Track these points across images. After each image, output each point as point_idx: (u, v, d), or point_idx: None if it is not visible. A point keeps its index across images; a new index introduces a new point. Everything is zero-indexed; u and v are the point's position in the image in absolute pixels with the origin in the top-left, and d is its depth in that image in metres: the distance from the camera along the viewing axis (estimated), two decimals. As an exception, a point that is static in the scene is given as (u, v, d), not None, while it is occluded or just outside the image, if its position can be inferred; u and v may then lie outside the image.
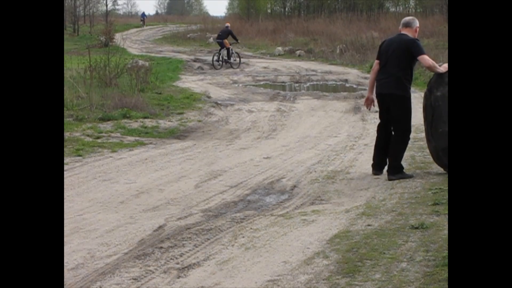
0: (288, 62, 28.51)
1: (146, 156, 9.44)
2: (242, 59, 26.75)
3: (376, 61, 8.01)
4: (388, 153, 7.87)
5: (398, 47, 7.72)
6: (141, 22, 60.07)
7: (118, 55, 18.96)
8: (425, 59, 7.66)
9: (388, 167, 7.83)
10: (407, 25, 7.84)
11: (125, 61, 18.75)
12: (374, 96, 8.13)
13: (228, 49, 25.46)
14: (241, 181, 7.83)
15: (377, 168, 8.01)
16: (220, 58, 25.35)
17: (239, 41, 27.07)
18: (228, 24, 27.42)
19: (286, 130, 12.21)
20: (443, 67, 7.89)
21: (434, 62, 7.88)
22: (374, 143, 8.22)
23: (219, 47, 25.75)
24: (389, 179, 7.69)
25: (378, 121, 8.31)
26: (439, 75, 7.80)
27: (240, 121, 13.36)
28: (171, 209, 6.61)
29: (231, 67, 25.34)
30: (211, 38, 42.11)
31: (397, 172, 7.74)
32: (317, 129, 12.15)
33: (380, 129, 8.05)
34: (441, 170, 8.00)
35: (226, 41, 25.44)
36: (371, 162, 8.16)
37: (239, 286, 4.49)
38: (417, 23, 7.88)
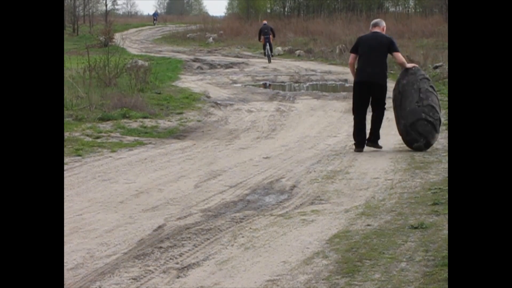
0: (287, 62, 28.51)
1: (145, 156, 9.44)
2: (241, 59, 27.81)
3: (352, 55, 9.78)
4: (373, 127, 9.69)
5: (381, 44, 9.48)
6: (154, 21, 62.30)
7: (117, 55, 18.93)
8: (400, 56, 9.62)
9: (372, 135, 9.67)
10: (376, 25, 9.73)
11: (125, 61, 18.72)
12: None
13: (271, 44, 27.96)
14: (241, 181, 7.83)
15: (361, 145, 9.58)
16: (267, 52, 27.76)
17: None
18: (265, 22, 30.14)
19: (285, 130, 12.21)
20: (410, 64, 9.92)
21: (404, 60, 9.88)
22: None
23: (265, 43, 27.84)
24: (368, 145, 9.59)
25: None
26: (404, 69, 9.63)
27: (240, 121, 13.36)
28: (170, 209, 6.60)
29: (270, 60, 27.55)
30: (211, 38, 42.16)
31: (376, 141, 9.65)
32: (316, 129, 12.15)
33: (359, 112, 9.69)
34: (440, 170, 8.00)
35: (271, 36, 28.11)
36: (354, 142, 9.69)
37: (238, 286, 4.49)
38: (383, 24, 9.80)
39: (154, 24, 60.50)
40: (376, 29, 9.66)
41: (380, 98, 9.60)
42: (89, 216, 6.34)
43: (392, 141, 10.31)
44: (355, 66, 9.79)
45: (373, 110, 9.74)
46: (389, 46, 9.47)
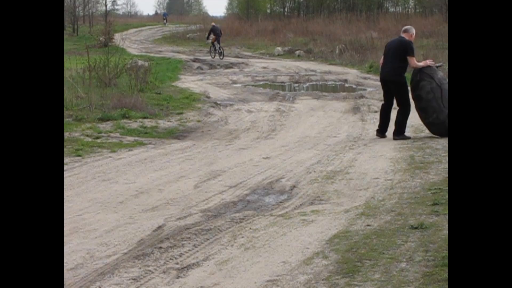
0: (287, 62, 28.51)
1: (145, 156, 9.44)
2: (241, 59, 28.93)
3: (382, 57, 10.94)
4: (395, 121, 10.58)
5: (397, 47, 10.58)
6: (164, 21, 63.55)
7: (117, 55, 18.94)
8: (412, 61, 10.55)
9: (394, 130, 10.58)
10: (406, 31, 10.77)
11: (125, 61, 18.73)
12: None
13: (220, 43, 31.22)
14: (241, 181, 7.83)
15: (381, 132, 10.78)
16: (219, 50, 30.54)
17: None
18: (214, 23, 33.88)
19: (285, 130, 12.21)
20: (423, 62, 10.87)
21: (417, 63, 10.72)
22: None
23: (216, 42, 31.08)
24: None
25: (377, 121, 11.25)
26: (426, 68, 10.61)
27: (240, 121, 13.36)
28: (170, 209, 6.60)
29: (220, 56, 30.19)
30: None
31: (400, 134, 10.53)
32: (316, 129, 12.15)
33: (384, 102, 10.89)
34: (440, 170, 8.00)
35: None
36: (376, 138, 10.67)
37: (238, 286, 4.49)
38: (413, 31, 10.77)
39: (165, 24, 60.85)
40: (403, 34, 10.71)
41: (397, 94, 10.65)
42: (89, 216, 6.34)
43: (392, 141, 10.32)
44: None
45: (397, 106, 10.81)
46: (405, 50, 10.46)
